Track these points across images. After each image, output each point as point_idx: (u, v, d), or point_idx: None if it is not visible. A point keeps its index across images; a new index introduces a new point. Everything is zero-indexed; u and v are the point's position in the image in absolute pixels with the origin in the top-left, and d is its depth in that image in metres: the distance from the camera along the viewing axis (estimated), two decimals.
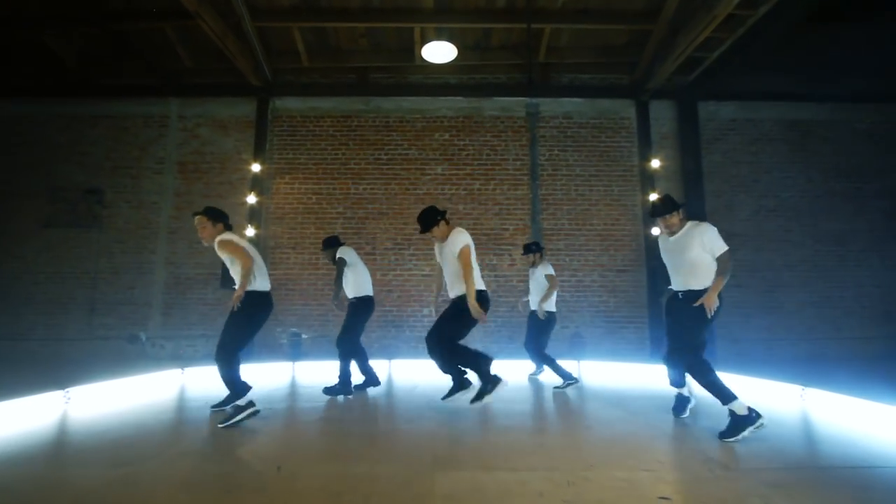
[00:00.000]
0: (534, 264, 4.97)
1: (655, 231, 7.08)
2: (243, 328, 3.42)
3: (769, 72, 7.46)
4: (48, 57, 7.14)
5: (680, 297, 3.18)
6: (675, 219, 3.21)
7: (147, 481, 2.26)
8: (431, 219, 3.57)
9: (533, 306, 4.97)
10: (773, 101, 7.58)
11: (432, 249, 3.89)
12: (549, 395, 4.44)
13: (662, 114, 7.56)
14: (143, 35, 7.00)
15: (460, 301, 3.46)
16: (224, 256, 3.43)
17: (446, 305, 3.60)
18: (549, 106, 7.56)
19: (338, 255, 4.43)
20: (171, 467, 2.44)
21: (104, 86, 7.51)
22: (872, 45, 6.99)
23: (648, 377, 5.44)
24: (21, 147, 7.42)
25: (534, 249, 4.98)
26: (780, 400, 4.07)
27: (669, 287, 3.33)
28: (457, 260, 3.49)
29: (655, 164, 7.25)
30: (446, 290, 3.68)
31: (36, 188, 7.33)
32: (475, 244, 3.59)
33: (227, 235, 3.45)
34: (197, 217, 3.51)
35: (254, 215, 7.09)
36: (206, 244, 3.51)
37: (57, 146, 7.44)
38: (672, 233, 3.23)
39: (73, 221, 7.29)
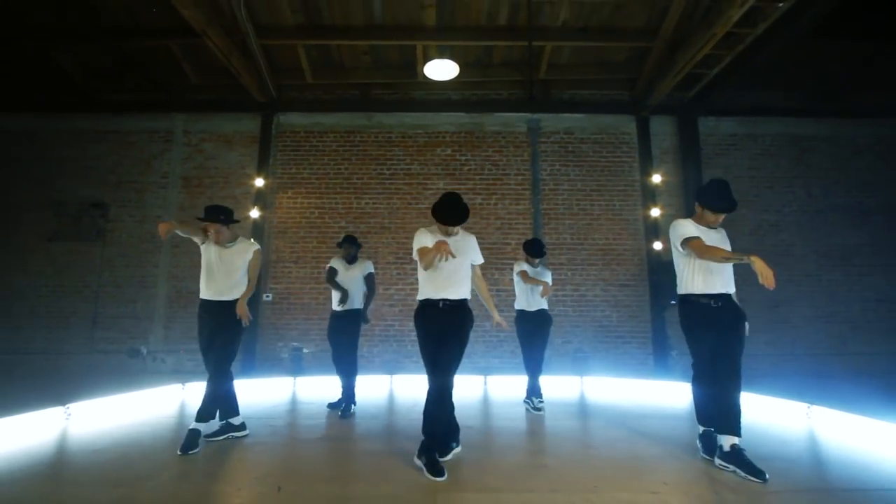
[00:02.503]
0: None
1: (657, 246, 7.09)
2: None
3: (769, 88, 7.53)
4: (55, 73, 7.25)
5: (718, 304, 2.80)
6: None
7: (144, 502, 2.23)
8: (467, 212, 2.99)
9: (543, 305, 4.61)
10: (773, 117, 7.63)
11: None
12: (550, 413, 4.39)
13: (663, 129, 7.61)
14: (149, 52, 7.11)
15: (467, 310, 3.00)
16: (245, 264, 3.45)
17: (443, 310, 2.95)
18: (551, 121, 7.62)
19: (369, 272, 4.63)
20: (171, 488, 2.42)
21: (110, 101, 7.61)
22: (871, 60, 7.07)
23: (652, 394, 5.39)
24: (27, 161, 7.50)
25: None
26: (785, 418, 4.02)
27: (703, 294, 2.84)
28: (472, 265, 3.12)
29: (657, 178, 7.27)
30: (432, 291, 2.96)
31: (41, 202, 7.39)
32: None
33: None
34: (207, 224, 3.40)
35: (257, 229, 7.12)
36: (223, 245, 3.43)
37: (62, 161, 7.52)
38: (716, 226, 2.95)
39: (76, 235, 7.33)
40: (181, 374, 6.56)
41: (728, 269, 2.92)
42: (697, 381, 2.95)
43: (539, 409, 4.33)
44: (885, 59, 7.03)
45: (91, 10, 6.41)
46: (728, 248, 2.94)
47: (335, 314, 4.50)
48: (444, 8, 6.46)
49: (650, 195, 7.26)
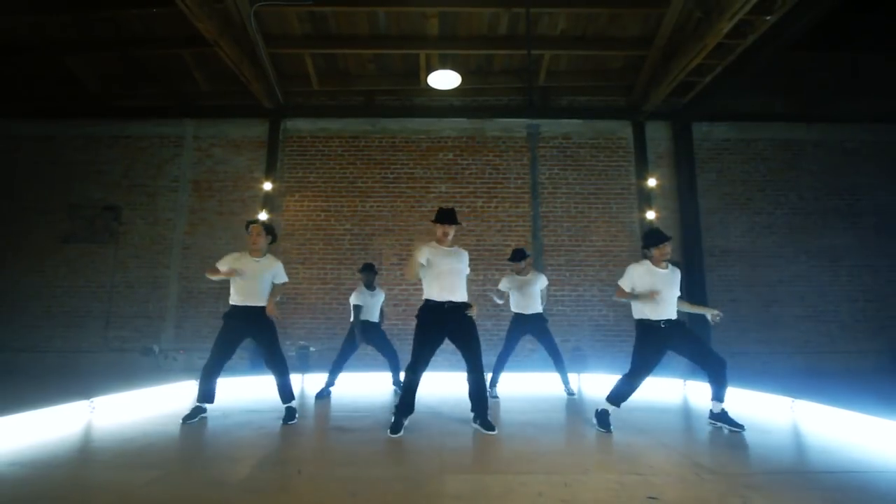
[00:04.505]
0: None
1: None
2: None
3: (761, 94, 7.78)
4: (70, 80, 7.51)
5: (664, 325, 3.53)
6: (659, 252, 3.61)
7: (179, 482, 2.47)
8: (456, 216, 3.73)
9: (538, 309, 5.08)
10: (765, 122, 7.87)
11: None
12: (549, 406, 4.62)
13: (658, 134, 7.85)
14: (162, 60, 7.37)
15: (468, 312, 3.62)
16: (274, 272, 3.98)
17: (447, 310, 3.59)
18: (549, 127, 7.86)
19: (383, 299, 5.44)
20: (200, 470, 2.65)
21: (123, 108, 7.86)
22: (857, 68, 7.33)
23: (645, 389, 5.60)
24: (42, 165, 7.75)
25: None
26: (769, 411, 4.25)
27: (655, 319, 3.54)
28: (463, 274, 3.70)
29: (652, 182, 7.51)
30: (434, 294, 3.58)
31: (56, 205, 7.63)
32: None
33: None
34: (253, 226, 4.00)
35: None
36: (255, 250, 3.94)
37: (76, 165, 7.77)
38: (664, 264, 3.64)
39: (90, 237, 7.57)
40: (193, 371, 6.77)
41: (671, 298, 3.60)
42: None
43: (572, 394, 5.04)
44: (870, 67, 7.30)
45: (108, 21, 6.67)
46: (675, 286, 3.60)
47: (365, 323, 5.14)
48: (447, 18, 6.71)
49: (646, 198, 7.50)
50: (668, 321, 3.54)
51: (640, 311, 3.63)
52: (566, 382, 5.10)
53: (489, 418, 3.56)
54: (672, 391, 5.45)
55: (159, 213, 7.66)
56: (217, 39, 5.92)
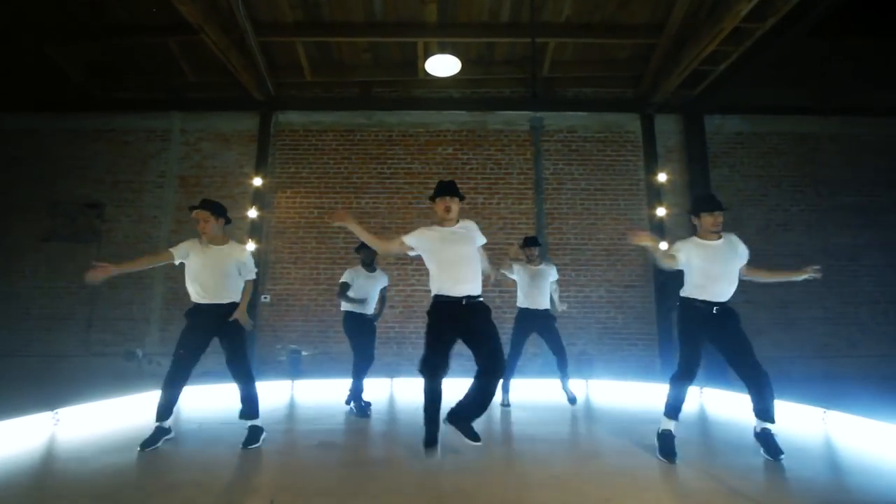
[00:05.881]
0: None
1: (663, 246, 6.93)
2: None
3: (775, 85, 7.39)
4: (51, 70, 7.14)
5: (715, 311, 2.94)
6: (709, 220, 3.05)
7: None
8: (458, 190, 3.15)
9: (547, 305, 4.66)
10: (779, 115, 7.50)
11: None
12: (556, 418, 4.25)
13: (668, 127, 7.48)
14: (147, 49, 7.00)
15: (484, 305, 2.99)
16: (239, 262, 3.42)
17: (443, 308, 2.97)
18: (554, 120, 7.49)
19: (385, 285, 4.86)
20: (158, 501, 2.29)
21: (107, 100, 7.50)
22: (878, 57, 6.94)
23: (659, 398, 5.24)
24: (22, 161, 7.39)
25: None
26: (801, 423, 3.88)
27: (702, 300, 2.97)
28: (478, 250, 3.15)
29: (662, 177, 7.14)
30: (436, 287, 2.99)
31: (36, 202, 7.27)
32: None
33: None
34: (196, 211, 3.39)
35: (255, 229, 7.00)
36: (205, 239, 3.38)
37: (58, 160, 7.40)
38: (718, 234, 3.06)
39: (72, 236, 7.21)
40: None
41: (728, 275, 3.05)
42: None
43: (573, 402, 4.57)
44: (893, 56, 6.91)
45: (89, 7, 6.31)
46: (734, 261, 3.06)
47: (351, 314, 4.52)
48: (446, 4, 6.35)
49: (655, 194, 7.12)
50: (720, 306, 2.97)
51: (689, 286, 3.05)
52: (566, 388, 4.64)
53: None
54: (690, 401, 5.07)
55: (144, 211, 7.29)
56: (202, 24, 5.57)
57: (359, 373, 4.38)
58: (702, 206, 3.09)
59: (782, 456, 2.84)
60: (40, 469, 2.77)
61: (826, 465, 2.90)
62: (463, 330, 2.91)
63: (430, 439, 2.83)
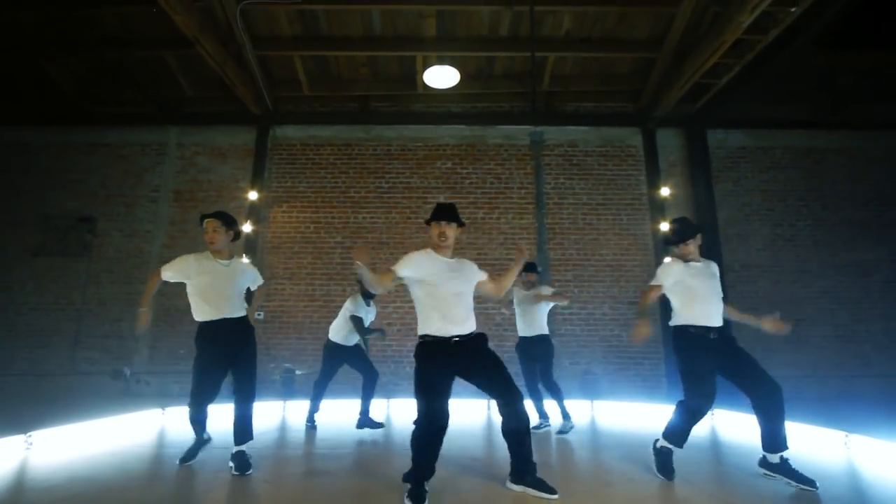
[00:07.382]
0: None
1: (668, 261, 6.75)
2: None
3: (777, 99, 7.33)
4: (45, 84, 7.09)
5: (713, 336, 2.83)
6: (692, 246, 2.98)
7: None
8: (456, 211, 2.84)
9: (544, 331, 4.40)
10: (782, 129, 7.41)
11: None
12: (561, 442, 4.01)
13: (670, 141, 7.39)
14: (144, 63, 6.96)
15: (479, 334, 2.71)
16: (248, 275, 3.36)
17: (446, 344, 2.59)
18: (554, 134, 7.41)
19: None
20: None
21: (102, 113, 7.43)
22: (884, 70, 6.88)
23: (666, 419, 4.99)
24: (14, 173, 7.27)
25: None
26: (822, 447, 3.64)
27: (698, 326, 2.84)
28: (475, 287, 2.80)
29: (665, 192, 7.00)
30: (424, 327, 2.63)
31: (27, 216, 7.12)
32: None
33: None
34: (207, 220, 3.18)
35: (250, 245, 6.84)
36: (215, 251, 3.19)
37: (50, 173, 7.29)
38: (688, 261, 2.98)
39: (62, 250, 7.04)
40: (166, 397, 6.17)
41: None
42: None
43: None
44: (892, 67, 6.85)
45: (84, 21, 6.28)
46: (716, 282, 2.99)
47: (337, 344, 4.63)
48: (445, 18, 6.33)
49: (659, 209, 6.98)
50: (717, 331, 2.82)
51: (680, 314, 2.90)
52: (566, 415, 4.29)
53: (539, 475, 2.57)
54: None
55: (137, 225, 7.14)
56: (197, 36, 5.51)
57: (369, 393, 4.59)
58: (687, 233, 2.97)
59: (818, 485, 2.59)
60: (7, 497, 2.53)
61: (854, 494, 2.66)
62: (461, 365, 2.58)
63: (418, 497, 2.39)
